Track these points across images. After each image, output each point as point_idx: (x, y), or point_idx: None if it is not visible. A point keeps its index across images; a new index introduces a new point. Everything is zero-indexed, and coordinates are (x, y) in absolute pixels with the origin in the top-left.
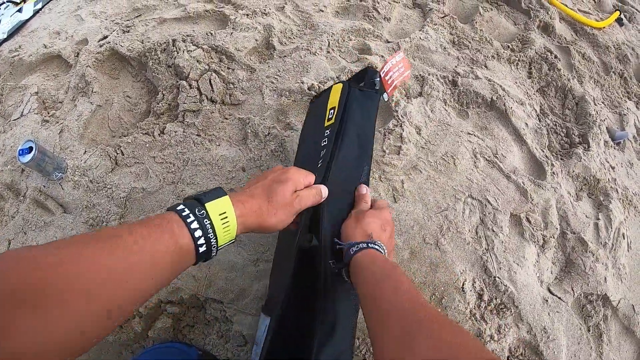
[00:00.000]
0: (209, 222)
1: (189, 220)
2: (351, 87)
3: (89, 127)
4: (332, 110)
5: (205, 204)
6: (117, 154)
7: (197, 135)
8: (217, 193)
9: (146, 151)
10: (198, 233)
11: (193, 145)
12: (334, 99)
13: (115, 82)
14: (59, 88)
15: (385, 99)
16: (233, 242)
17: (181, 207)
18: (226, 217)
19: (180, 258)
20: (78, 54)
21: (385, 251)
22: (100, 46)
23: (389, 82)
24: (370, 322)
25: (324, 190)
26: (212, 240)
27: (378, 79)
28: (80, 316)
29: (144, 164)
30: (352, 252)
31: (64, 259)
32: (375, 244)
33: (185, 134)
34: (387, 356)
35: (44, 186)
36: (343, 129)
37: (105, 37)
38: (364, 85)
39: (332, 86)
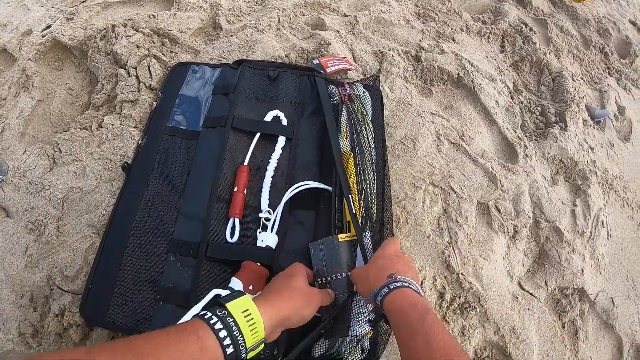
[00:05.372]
0: (231, 319)
1: (212, 321)
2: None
3: (30, 124)
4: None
5: (226, 304)
6: (55, 151)
7: (134, 127)
8: (235, 294)
9: (84, 147)
10: (223, 333)
11: (130, 138)
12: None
13: (59, 74)
14: (3, 84)
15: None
16: (263, 342)
17: (203, 312)
18: (250, 314)
19: None
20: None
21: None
22: (43, 37)
23: (328, 64)
24: None
25: (332, 294)
26: (239, 339)
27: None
28: None
29: (82, 161)
30: (379, 301)
31: None
32: (400, 281)
33: (122, 126)
34: None
35: None
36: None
37: (49, 27)
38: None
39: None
